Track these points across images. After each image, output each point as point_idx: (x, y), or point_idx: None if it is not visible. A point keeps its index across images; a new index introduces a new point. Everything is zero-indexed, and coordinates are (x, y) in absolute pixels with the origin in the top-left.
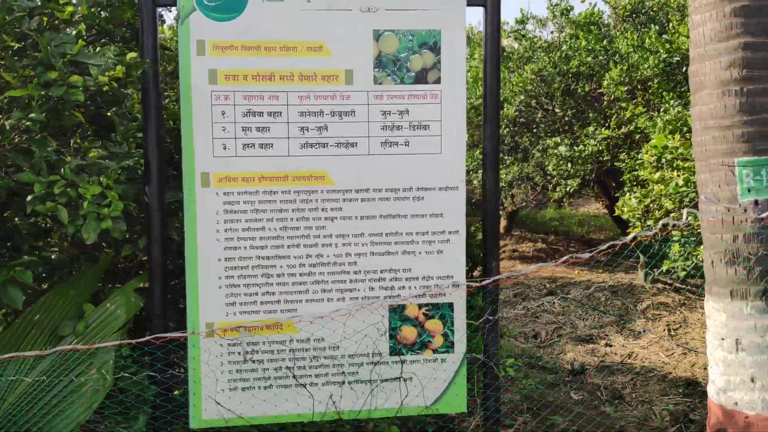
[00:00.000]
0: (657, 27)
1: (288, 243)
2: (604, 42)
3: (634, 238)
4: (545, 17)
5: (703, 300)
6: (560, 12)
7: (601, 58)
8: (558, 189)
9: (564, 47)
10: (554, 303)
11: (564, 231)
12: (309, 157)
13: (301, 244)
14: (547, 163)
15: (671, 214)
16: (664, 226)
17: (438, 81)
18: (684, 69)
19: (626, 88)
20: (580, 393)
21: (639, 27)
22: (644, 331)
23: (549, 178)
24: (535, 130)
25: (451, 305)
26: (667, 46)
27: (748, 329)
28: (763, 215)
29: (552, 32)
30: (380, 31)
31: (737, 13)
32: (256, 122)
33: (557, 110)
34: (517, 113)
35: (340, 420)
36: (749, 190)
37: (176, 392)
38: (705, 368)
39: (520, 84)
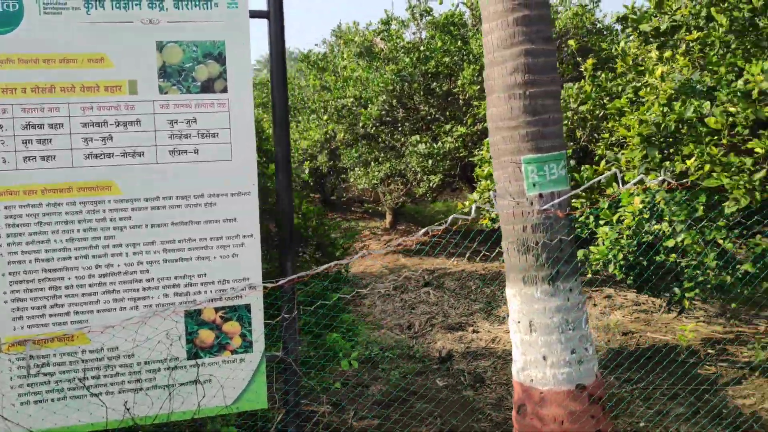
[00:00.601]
0: None
1: (76, 254)
2: (459, 43)
3: (426, 233)
4: (407, 18)
5: None
6: (419, 14)
7: (456, 58)
8: (422, 185)
9: (422, 48)
10: (430, 294)
11: (451, 223)
12: (94, 167)
13: (89, 254)
14: (409, 160)
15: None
16: (454, 219)
17: (225, 90)
18: None
19: (479, 87)
20: (445, 380)
21: None
22: (508, 316)
23: (415, 174)
24: (400, 128)
25: (248, 306)
26: None
27: (539, 312)
28: (546, 207)
29: (414, 33)
30: (163, 43)
31: (519, 22)
32: (36, 135)
33: (421, 108)
34: (383, 112)
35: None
36: (534, 185)
37: None
38: None
39: (382, 84)
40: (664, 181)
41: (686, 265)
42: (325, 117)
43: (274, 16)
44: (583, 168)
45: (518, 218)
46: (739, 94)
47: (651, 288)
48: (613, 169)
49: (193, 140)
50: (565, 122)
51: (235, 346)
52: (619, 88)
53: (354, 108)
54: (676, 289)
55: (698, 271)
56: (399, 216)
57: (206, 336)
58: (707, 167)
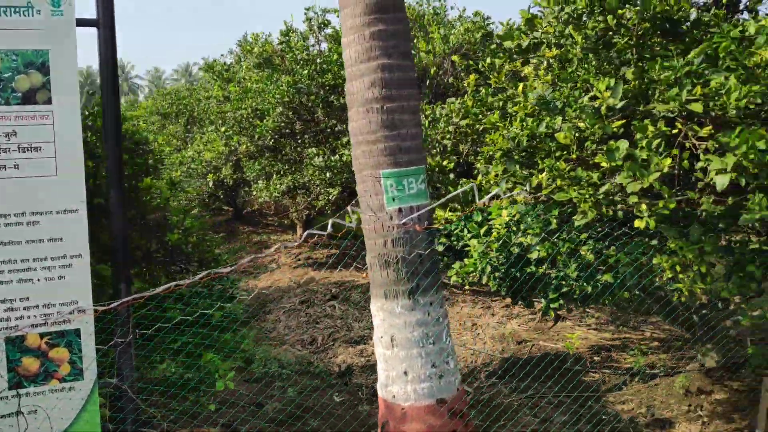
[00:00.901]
0: None
1: None
2: None
3: (274, 249)
4: (305, 30)
5: (463, 294)
6: (318, 26)
7: None
8: (321, 198)
9: (319, 60)
10: (335, 307)
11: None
12: None
13: None
14: (306, 172)
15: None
16: (310, 235)
17: (49, 101)
18: (427, 82)
19: None
20: (342, 395)
21: None
22: None
23: (317, 186)
24: (300, 141)
25: (77, 331)
26: None
27: (400, 326)
28: (404, 221)
29: (313, 45)
30: None
31: (375, 36)
32: None
33: (321, 121)
34: (282, 124)
35: None
36: (393, 199)
37: None
38: None
39: (279, 96)
40: (524, 195)
41: (555, 276)
42: (224, 128)
43: (104, 24)
44: (462, 181)
45: (379, 233)
46: (590, 110)
47: (524, 298)
48: (471, 184)
49: (13, 155)
50: (449, 137)
51: (64, 374)
52: (500, 103)
53: (251, 120)
54: (543, 300)
55: (563, 282)
56: (310, 228)
57: (30, 364)
58: (559, 182)
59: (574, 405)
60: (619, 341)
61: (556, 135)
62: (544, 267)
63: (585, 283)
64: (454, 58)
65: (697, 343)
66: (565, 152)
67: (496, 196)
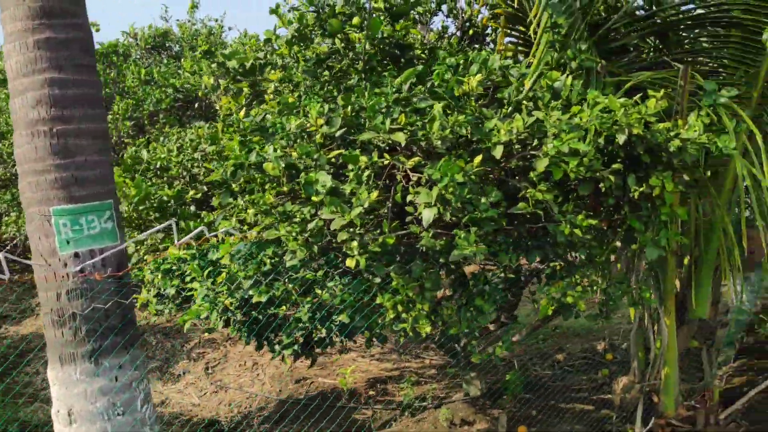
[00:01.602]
0: (174, 62)
1: None
2: (113, 74)
3: None
4: None
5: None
6: None
7: (109, 90)
8: None
9: None
10: None
11: None
12: None
13: None
14: None
15: None
16: None
17: None
18: (195, 104)
19: (133, 123)
20: None
21: (170, 60)
22: (183, 372)
23: None
24: None
25: None
26: (174, 82)
27: (79, 396)
28: (81, 267)
29: None
30: None
31: (41, 45)
32: None
33: None
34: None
35: None
36: (68, 242)
37: None
38: (229, 404)
39: None
40: (246, 232)
41: (294, 317)
42: None
43: None
44: (203, 214)
45: (51, 283)
46: (303, 138)
47: (270, 344)
48: (171, 220)
49: None
50: (196, 164)
51: None
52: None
53: None
54: (276, 346)
55: (299, 324)
56: None
57: None
58: (267, 218)
59: None
60: (398, 371)
61: (264, 165)
62: (284, 308)
63: (320, 325)
64: (205, 79)
65: (466, 372)
66: (276, 185)
67: (201, 234)
